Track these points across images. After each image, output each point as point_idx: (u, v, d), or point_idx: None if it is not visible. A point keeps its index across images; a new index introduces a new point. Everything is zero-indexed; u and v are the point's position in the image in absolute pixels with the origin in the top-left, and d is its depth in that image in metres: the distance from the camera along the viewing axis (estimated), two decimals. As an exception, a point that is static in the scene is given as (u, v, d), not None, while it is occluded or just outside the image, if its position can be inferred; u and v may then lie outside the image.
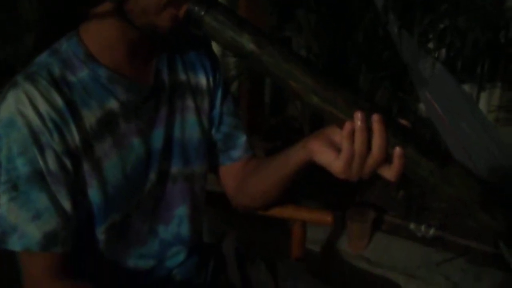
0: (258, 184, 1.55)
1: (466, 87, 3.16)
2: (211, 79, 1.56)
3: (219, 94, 1.58)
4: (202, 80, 1.53)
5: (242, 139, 1.64)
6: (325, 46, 3.04)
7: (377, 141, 1.06)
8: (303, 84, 1.08)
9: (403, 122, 1.12)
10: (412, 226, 2.89)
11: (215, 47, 1.55)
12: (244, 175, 1.61)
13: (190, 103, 1.50)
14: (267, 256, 1.77)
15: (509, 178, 1.45)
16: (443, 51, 2.81)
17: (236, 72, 3.39)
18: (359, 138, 1.07)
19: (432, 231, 2.84)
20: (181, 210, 1.52)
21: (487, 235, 2.52)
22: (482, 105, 3.27)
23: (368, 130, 1.06)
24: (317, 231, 2.83)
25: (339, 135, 1.13)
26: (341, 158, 1.12)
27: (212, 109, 1.57)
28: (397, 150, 1.06)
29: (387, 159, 1.08)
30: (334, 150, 1.15)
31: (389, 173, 1.09)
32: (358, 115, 1.05)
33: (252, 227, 2.73)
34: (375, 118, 1.05)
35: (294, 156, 1.33)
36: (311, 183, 3.03)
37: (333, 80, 1.09)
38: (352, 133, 1.08)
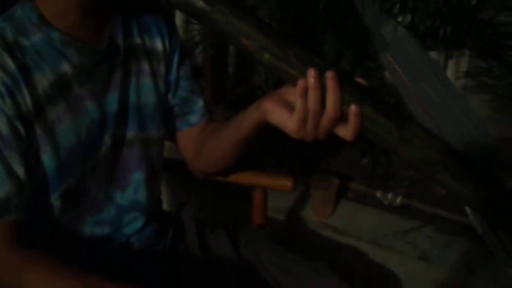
0: (214, 148, 1.57)
1: (433, 54, 3.18)
2: (167, 43, 1.58)
3: (175, 59, 1.60)
4: (158, 44, 1.56)
5: (199, 103, 1.66)
6: (288, 14, 3.04)
7: (331, 98, 1.06)
8: (255, 42, 1.08)
9: (361, 81, 1.12)
10: (378, 194, 2.91)
11: (179, 14, 1.57)
12: (201, 140, 1.63)
13: (145, 67, 1.52)
14: (228, 224, 1.80)
15: (478, 146, 1.47)
16: (409, 16, 2.82)
17: (200, 40, 3.39)
18: (312, 95, 1.07)
19: (399, 199, 2.86)
20: (138, 175, 1.55)
21: (455, 203, 2.55)
22: (450, 72, 3.29)
23: (322, 87, 1.06)
24: (282, 200, 2.86)
25: (293, 94, 1.12)
26: (294, 117, 1.12)
27: (169, 73, 1.60)
28: (353, 108, 1.05)
29: (342, 117, 1.08)
30: (288, 110, 1.15)
31: (345, 132, 1.10)
32: (311, 72, 1.05)
33: (213, 195, 2.76)
34: (329, 75, 1.04)
35: (249, 118, 1.35)
36: (276, 152, 3.06)
37: (286, 37, 1.09)
38: (305, 91, 1.07)
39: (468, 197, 1.11)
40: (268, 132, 1.36)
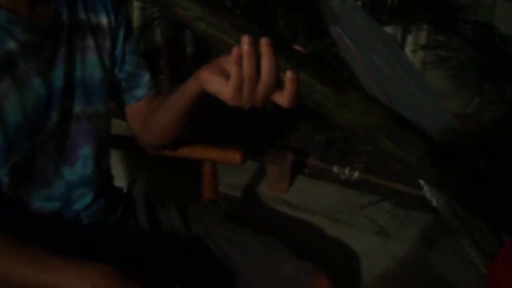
0: (159, 120, 1.63)
1: (391, 29, 3.22)
2: (112, 19, 1.64)
3: (121, 34, 1.67)
4: (103, 20, 1.62)
5: (146, 77, 1.72)
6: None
7: (265, 65, 1.08)
8: (190, 11, 1.10)
9: (298, 48, 1.15)
10: (335, 169, 2.94)
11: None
12: (148, 114, 1.69)
13: (90, 42, 1.58)
14: (179, 199, 1.86)
15: (431, 116, 1.49)
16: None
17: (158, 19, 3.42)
18: (247, 62, 1.09)
19: (356, 174, 2.90)
20: (86, 151, 1.60)
21: (408, 174, 2.60)
22: (408, 47, 3.33)
23: (257, 54, 1.08)
24: (237, 176, 2.93)
25: (229, 63, 1.13)
26: (230, 85, 1.15)
27: (114, 49, 1.66)
28: (288, 73, 1.07)
29: (279, 84, 1.11)
30: (224, 78, 1.18)
31: (282, 98, 1.12)
32: (245, 39, 1.07)
33: (165, 171, 2.80)
34: (264, 41, 1.07)
35: (188, 88, 1.41)
36: (233, 129, 3.09)
37: (221, 6, 1.12)
38: (240, 58, 1.10)
39: (413, 164, 1.14)
40: (223, 109, 1.39)
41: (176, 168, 2.76)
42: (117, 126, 1.79)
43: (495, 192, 1.27)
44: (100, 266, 1.27)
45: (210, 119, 3.27)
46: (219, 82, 1.20)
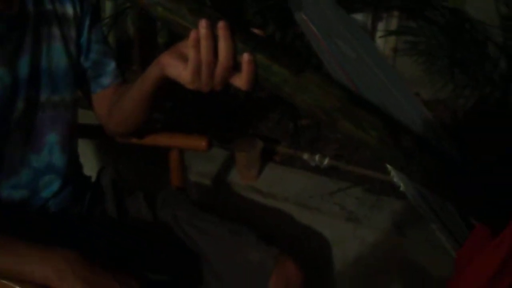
0: (123, 107, 1.67)
1: (360, 16, 3.23)
2: (78, 8, 1.68)
3: (86, 23, 1.71)
4: (69, 10, 1.66)
5: (111, 65, 1.77)
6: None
7: (222, 47, 1.12)
8: None
9: (256, 31, 1.19)
10: (305, 156, 2.95)
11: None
12: (114, 102, 1.73)
13: (56, 31, 1.62)
14: (148, 187, 1.90)
15: (397, 100, 1.50)
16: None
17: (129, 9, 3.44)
18: (204, 45, 1.13)
19: (326, 161, 2.91)
20: (52, 138, 1.64)
21: (378, 160, 2.61)
22: (379, 35, 3.34)
23: (214, 37, 1.13)
24: (208, 165, 2.95)
25: (188, 47, 1.18)
26: (188, 68, 1.19)
27: (80, 37, 1.70)
28: (245, 56, 1.11)
29: (237, 67, 1.15)
30: (183, 62, 1.22)
31: (240, 81, 1.16)
32: (203, 23, 1.12)
33: (134, 160, 2.82)
34: (221, 25, 1.11)
35: (149, 74, 1.44)
36: (203, 117, 3.11)
37: None
38: (198, 42, 1.14)
39: (375, 146, 1.17)
40: (193, 98, 1.42)
41: (145, 157, 2.78)
42: (86, 116, 1.81)
43: (465, 178, 1.30)
44: (63, 252, 1.30)
45: (180, 108, 3.29)
46: (178, 66, 1.24)
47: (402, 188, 1.60)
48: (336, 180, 2.88)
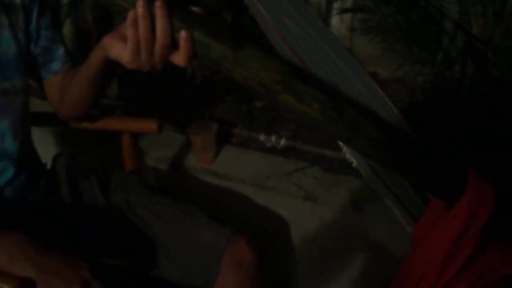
0: (72, 91, 1.70)
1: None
2: None
3: (35, 10, 1.73)
4: None
5: (61, 51, 1.80)
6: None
7: (159, 25, 1.15)
8: None
9: (195, 9, 1.21)
10: (262, 137, 3.00)
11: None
12: (64, 86, 1.76)
13: (4, 20, 1.65)
14: (102, 172, 1.92)
15: (353, 82, 1.51)
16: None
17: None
18: (142, 24, 1.16)
19: (283, 141, 2.96)
20: (3, 124, 1.67)
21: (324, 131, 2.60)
22: (335, 14, 3.35)
23: (151, 16, 1.15)
24: (165, 149, 2.99)
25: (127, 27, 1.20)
26: (127, 48, 1.22)
27: (29, 25, 1.73)
28: (182, 33, 1.14)
29: (175, 45, 1.18)
30: (124, 42, 1.24)
31: (179, 58, 1.19)
32: (140, 2, 1.15)
33: (90, 146, 2.84)
34: (157, 3, 1.14)
35: (93, 57, 1.48)
36: (159, 104, 3.12)
37: None
38: (136, 21, 1.16)
39: (317, 119, 1.19)
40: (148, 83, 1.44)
41: (102, 142, 2.78)
42: (41, 105, 1.84)
43: (418, 152, 1.32)
44: (14, 236, 1.34)
45: (136, 94, 3.30)
46: (119, 46, 1.26)
47: (354, 164, 1.62)
48: (293, 160, 2.91)
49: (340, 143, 1.53)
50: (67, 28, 3.46)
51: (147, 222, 1.76)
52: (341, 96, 1.26)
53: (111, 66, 1.45)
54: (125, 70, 1.36)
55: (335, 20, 3.39)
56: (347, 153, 1.60)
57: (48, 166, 1.92)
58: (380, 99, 1.46)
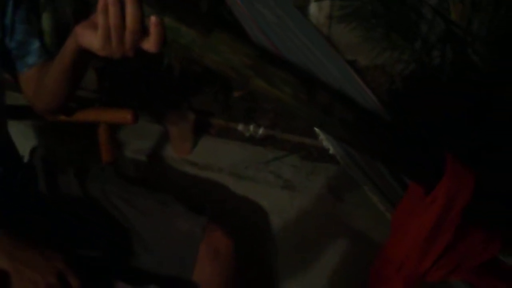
0: (47, 84, 1.68)
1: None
2: None
3: (10, 3, 1.72)
4: None
5: (36, 44, 1.78)
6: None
7: (129, 11, 1.14)
8: None
9: None
10: (240, 127, 3.00)
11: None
12: (39, 79, 1.74)
13: None
14: (79, 164, 1.92)
15: (327, 68, 1.50)
16: None
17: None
18: (111, 10, 1.16)
19: (261, 131, 2.96)
20: None
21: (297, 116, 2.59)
22: (313, 3, 3.33)
23: (121, 2, 1.14)
24: (144, 141, 2.99)
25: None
26: (98, 35, 1.22)
27: (4, 19, 1.71)
28: (152, 18, 1.15)
29: (145, 31, 1.18)
30: (95, 30, 1.23)
31: (149, 44, 1.19)
32: None
33: (67, 138, 2.79)
34: None
35: (66, 47, 1.46)
36: (138, 95, 3.10)
37: None
38: (106, 8, 1.16)
39: (290, 103, 1.19)
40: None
41: (79, 135, 2.76)
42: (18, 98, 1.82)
43: (395, 137, 1.31)
44: None
45: (115, 85, 3.28)
46: (90, 34, 1.26)
47: (331, 151, 1.61)
48: (272, 149, 2.93)
49: (316, 129, 1.52)
50: (46, 22, 3.43)
51: (123, 212, 1.75)
52: (314, 80, 1.24)
53: (84, 56, 1.44)
54: (105, 63, 1.35)
55: (313, 8, 3.38)
56: (324, 140, 1.59)
57: (25, 159, 1.91)
58: (357, 86, 1.46)
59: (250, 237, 2.38)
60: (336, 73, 1.46)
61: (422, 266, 1.43)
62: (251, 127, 2.96)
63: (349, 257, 2.47)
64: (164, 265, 1.70)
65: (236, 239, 1.74)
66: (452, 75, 2.61)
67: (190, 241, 1.68)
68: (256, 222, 2.66)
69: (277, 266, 2.47)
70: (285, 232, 2.62)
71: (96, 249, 1.69)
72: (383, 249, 1.51)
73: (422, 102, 2.65)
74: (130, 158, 2.88)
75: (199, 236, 1.69)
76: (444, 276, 1.49)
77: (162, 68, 3.05)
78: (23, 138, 2.65)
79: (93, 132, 2.03)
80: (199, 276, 1.68)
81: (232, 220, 2.37)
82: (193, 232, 1.69)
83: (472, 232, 1.44)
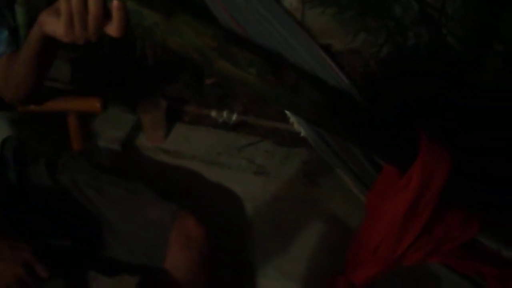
0: (15, 73, 1.67)
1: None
2: None
3: None
4: None
5: (4, 34, 1.77)
6: None
7: None
8: None
9: None
10: (213, 113, 2.98)
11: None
12: (8, 68, 1.73)
13: None
14: (50, 153, 1.93)
15: (298, 51, 1.50)
16: None
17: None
18: None
19: (234, 117, 2.94)
20: None
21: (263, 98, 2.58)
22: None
23: None
24: (117, 130, 2.97)
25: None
26: (61, 21, 1.22)
27: None
28: (114, 2, 1.15)
29: (108, 15, 1.18)
30: (58, 17, 1.24)
31: (112, 29, 1.19)
32: None
33: (38, 128, 2.76)
34: None
35: (31, 35, 1.45)
36: (109, 84, 3.08)
37: None
38: None
39: (255, 84, 1.19)
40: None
41: (50, 125, 2.75)
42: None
43: (368, 118, 1.30)
44: None
45: (86, 74, 3.25)
46: (53, 21, 1.26)
47: (302, 133, 1.60)
48: (245, 135, 2.92)
49: (287, 113, 1.51)
50: (21, 16, 3.41)
51: (93, 201, 1.75)
52: (280, 60, 1.23)
53: (50, 44, 1.43)
54: (78, 54, 1.34)
55: (286, -6, 3.35)
56: (295, 123, 1.58)
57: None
58: (329, 69, 1.45)
59: (223, 224, 2.38)
60: (307, 57, 1.46)
61: (398, 249, 1.43)
62: (224, 114, 2.94)
63: (325, 242, 2.47)
64: (135, 254, 1.70)
65: (209, 226, 1.74)
66: (427, 56, 2.60)
67: (161, 228, 1.68)
68: (229, 209, 2.66)
69: (252, 253, 2.47)
70: (259, 218, 2.62)
71: (67, 239, 1.68)
72: (358, 232, 1.50)
73: (397, 84, 2.65)
74: (103, 148, 2.88)
75: (169, 223, 1.68)
76: (421, 259, 1.49)
77: (135, 57, 3.03)
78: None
79: (65, 122, 2.02)
80: (170, 264, 1.67)
81: (205, 207, 2.37)
82: (163, 220, 1.69)
83: (450, 214, 1.44)
